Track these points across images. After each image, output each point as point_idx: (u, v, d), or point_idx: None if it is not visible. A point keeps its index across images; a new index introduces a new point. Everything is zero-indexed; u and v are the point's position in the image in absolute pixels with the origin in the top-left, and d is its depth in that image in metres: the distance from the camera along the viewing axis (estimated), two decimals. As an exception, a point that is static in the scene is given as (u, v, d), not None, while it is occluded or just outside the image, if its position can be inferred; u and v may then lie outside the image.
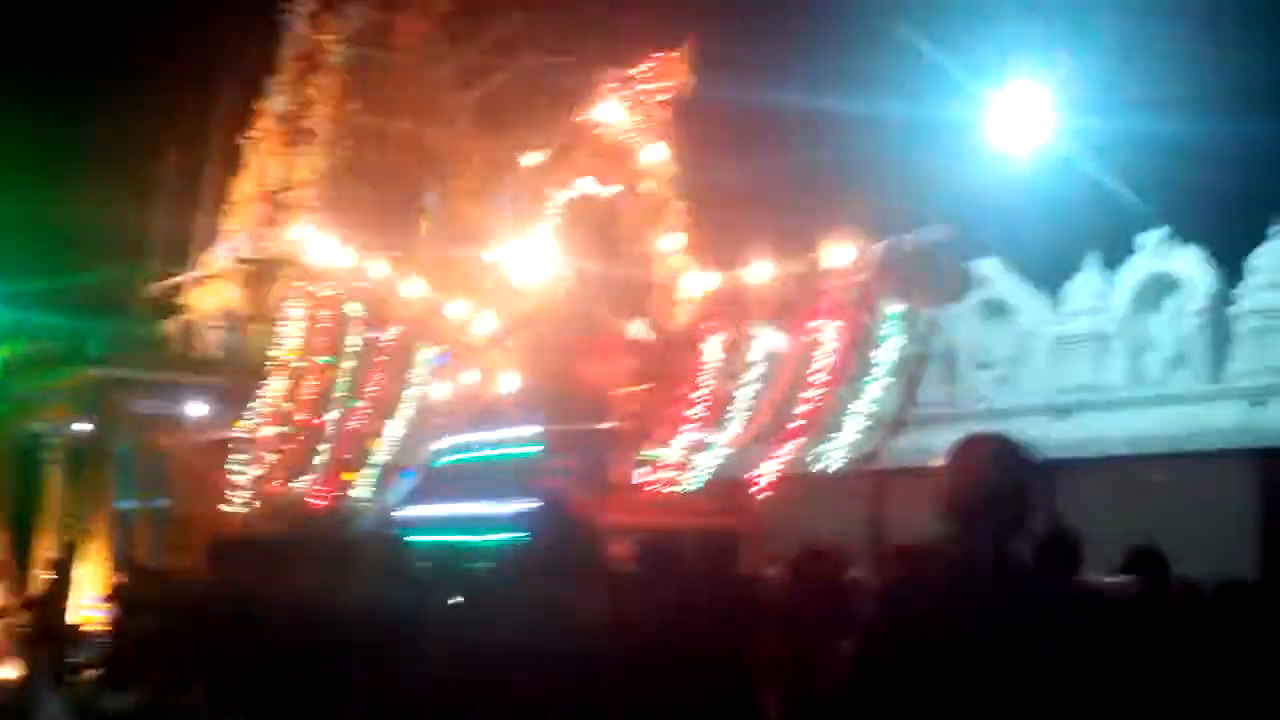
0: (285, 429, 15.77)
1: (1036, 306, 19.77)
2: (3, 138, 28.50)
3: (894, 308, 10.81)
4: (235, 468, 16.10)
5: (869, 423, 10.89)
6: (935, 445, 12.64)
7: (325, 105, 29.17)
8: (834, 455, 10.86)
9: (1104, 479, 17.72)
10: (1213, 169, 20.97)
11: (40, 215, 28.10)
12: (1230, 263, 17.81)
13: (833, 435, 10.93)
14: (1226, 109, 21.45)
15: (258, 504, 15.76)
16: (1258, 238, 17.41)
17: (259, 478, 15.77)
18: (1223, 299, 17.53)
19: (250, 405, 16.52)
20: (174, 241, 28.55)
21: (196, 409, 24.79)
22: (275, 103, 29.76)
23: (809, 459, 10.95)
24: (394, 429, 13.77)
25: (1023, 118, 21.35)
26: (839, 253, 11.16)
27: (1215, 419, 16.90)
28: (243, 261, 27.72)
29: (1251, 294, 17.23)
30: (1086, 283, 19.11)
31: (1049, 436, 18.47)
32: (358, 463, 13.97)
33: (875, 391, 10.91)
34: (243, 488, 15.96)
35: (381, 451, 13.63)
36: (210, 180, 29.03)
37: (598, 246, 13.43)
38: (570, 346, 12.91)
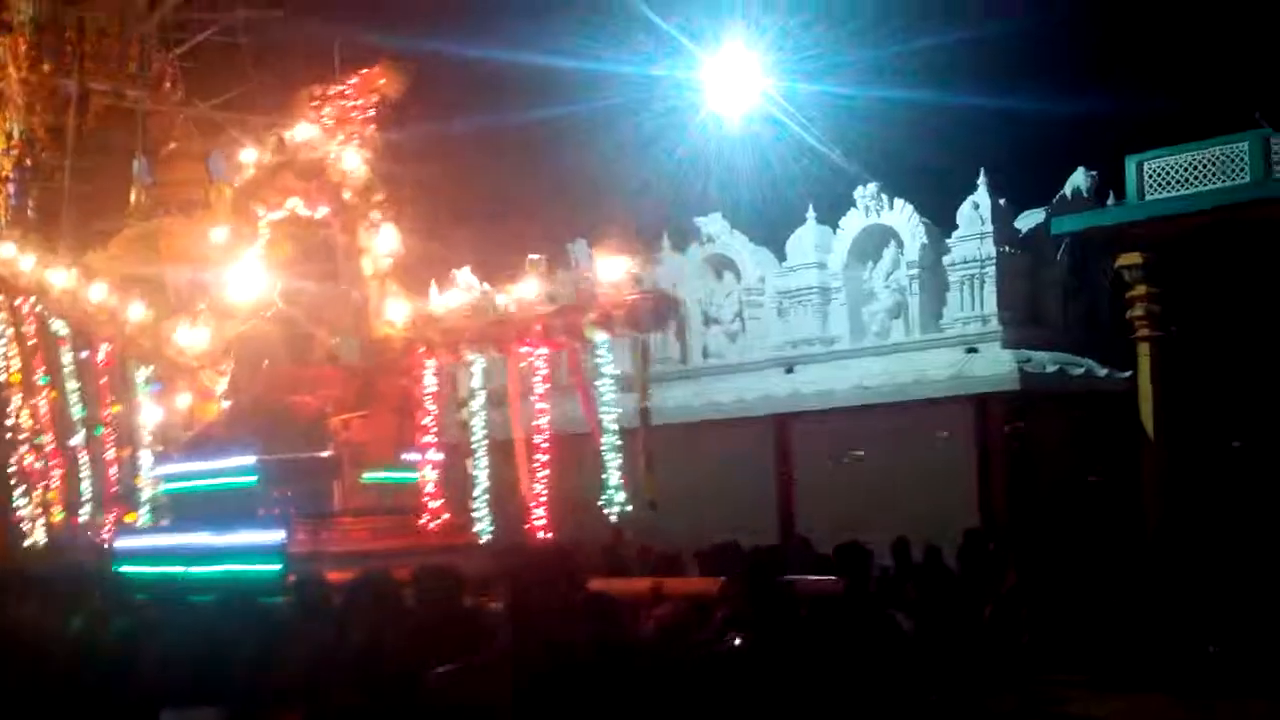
0: (40, 457, 15.11)
1: (760, 262, 20.32)
2: None
3: (599, 335, 10.95)
4: (18, 501, 15.29)
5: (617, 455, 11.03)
6: (668, 402, 13.08)
7: (15, 67, 27.53)
8: (617, 498, 11.00)
9: (831, 429, 18.49)
10: (917, 132, 21.98)
11: None
12: (938, 218, 18.69)
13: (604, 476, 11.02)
14: (926, 77, 22.47)
15: (44, 541, 15.08)
16: (961, 196, 18.30)
17: (41, 510, 15.07)
18: (935, 250, 18.36)
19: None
20: None
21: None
22: (-40, 65, 27.92)
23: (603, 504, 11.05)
24: (147, 459, 13.26)
25: (737, 80, 22.03)
26: (527, 287, 11.33)
27: (932, 367, 17.76)
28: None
29: (960, 244, 18.11)
30: (806, 237, 19.73)
31: (778, 389, 19.18)
32: (130, 500, 13.41)
33: (613, 423, 11.03)
34: (26, 521, 15.20)
35: (147, 484, 13.11)
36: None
37: (307, 268, 13.22)
38: (283, 371, 12.63)
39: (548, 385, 11.52)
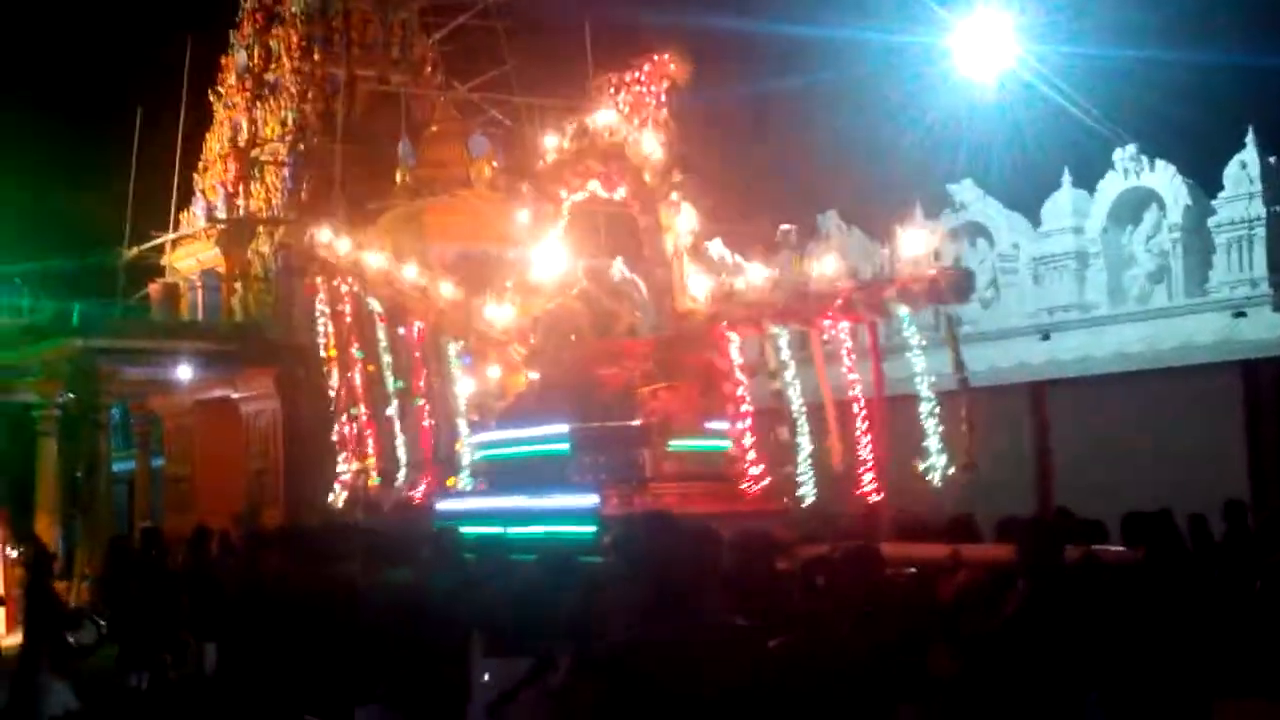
0: (356, 426, 16.11)
1: (1014, 228, 20.02)
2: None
3: (901, 309, 11.15)
4: (339, 466, 16.39)
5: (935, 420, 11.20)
6: (936, 366, 12.84)
7: (288, 57, 28.98)
8: (940, 462, 11.16)
9: (1091, 397, 18.13)
10: (1178, 92, 21.24)
11: (12, 188, 28.02)
12: (1202, 177, 18.10)
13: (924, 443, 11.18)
14: (1186, 31, 21.67)
15: (361, 502, 16.13)
16: (1227, 152, 17.67)
17: (359, 474, 16.10)
18: (1200, 212, 17.80)
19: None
20: (150, 204, 28.45)
21: (184, 371, 24.89)
22: (239, 57, 29.55)
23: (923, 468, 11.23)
24: (463, 428, 14.07)
25: (989, 43, 21.66)
26: (830, 263, 11.53)
27: (1198, 332, 17.25)
28: (217, 221, 27.67)
29: (1227, 205, 17.51)
30: (1062, 202, 19.34)
31: (1033, 357, 18.89)
32: (452, 466, 14.25)
33: (929, 390, 11.20)
34: (344, 485, 16.28)
35: (467, 451, 13.91)
36: (181, 140, 28.87)
37: (608, 247, 13.79)
38: (590, 344, 13.23)
39: (852, 355, 11.77)
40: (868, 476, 11.63)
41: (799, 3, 24.65)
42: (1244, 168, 17.40)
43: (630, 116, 13.11)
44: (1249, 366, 16.81)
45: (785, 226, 21.35)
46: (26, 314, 25.24)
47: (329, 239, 16.24)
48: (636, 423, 12.17)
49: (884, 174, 23.80)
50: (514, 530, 11.34)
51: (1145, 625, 6.30)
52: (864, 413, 11.76)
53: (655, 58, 13.35)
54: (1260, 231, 17.12)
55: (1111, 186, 18.74)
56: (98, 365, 24.28)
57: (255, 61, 29.14)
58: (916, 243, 11.03)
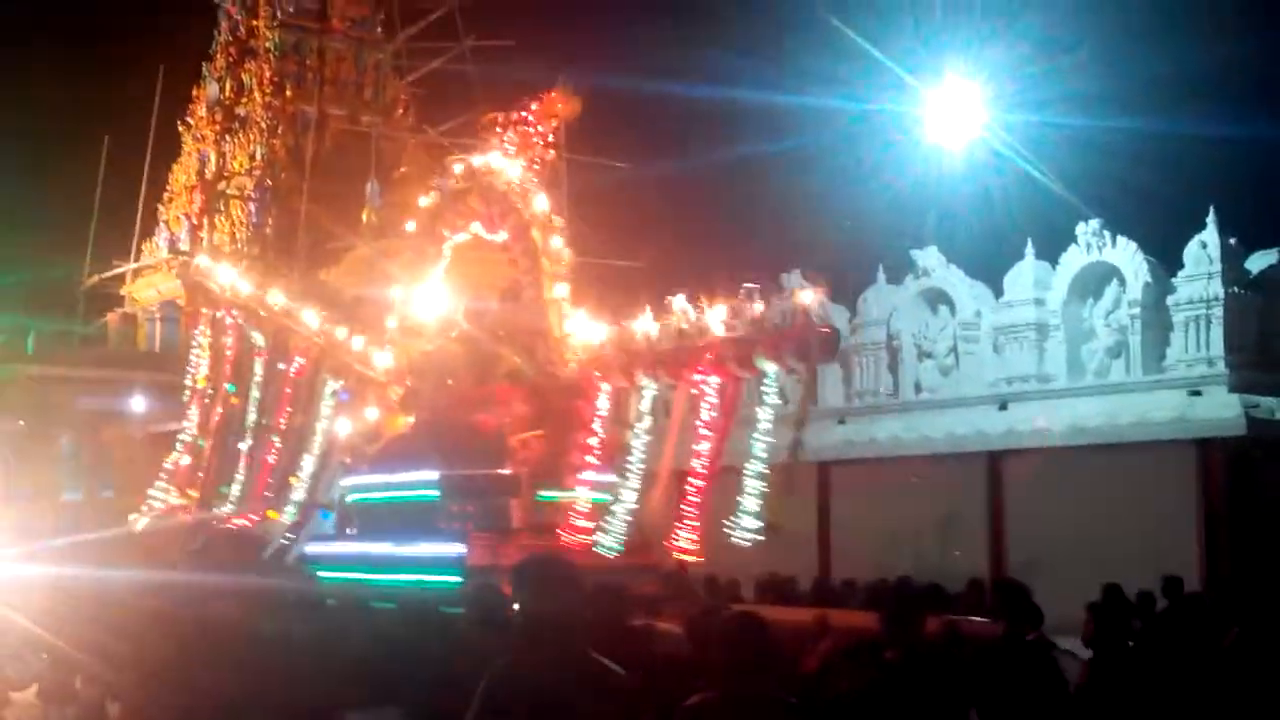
0: (199, 460, 15.93)
1: (977, 296, 20.11)
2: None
3: (769, 366, 11.00)
4: (153, 493, 16.21)
5: (761, 483, 11.08)
6: (880, 435, 13.03)
7: (260, 91, 28.96)
8: (746, 522, 11.04)
9: (1045, 469, 18.18)
10: (1143, 164, 21.50)
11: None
12: (1164, 253, 18.25)
13: (739, 499, 11.11)
14: (1154, 105, 21.96)
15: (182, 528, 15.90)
16: (1189, 230, 17.84)
17: (178, 508, 15.91)
18: (1159, 289, 17.93)
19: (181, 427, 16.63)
20: (113, 233, 28.30)
21: (139, 403, 24.66)
22: (210, 90, 29.52)
23: (726, 528, 11.13)
24: (308, 465, 13.87)
25: (956, 113, 21.87)
26: (713, 313, 11.38)
27: (1154, 409, 17.33)
28: (179, 253, 27.50)
29: (1186, 284, 17.65)
30: (1025, 273, 19.44)
31: (991, 426, 18.94)
32: (279, 500, 14.08)
33: (761, 450, 11.08)
34: (153, 513, 16.10)
35: (300, 488, 13.74)
36: (148, 169, 28.76)
37: (489, 290, 13.67)
38: (466, 389, 13.03)
39: (712, 415, 11.46)
40: (684, 535, 11.42)
41: (776, 71, 24.84)
42: (1204, 247, 17.56)
43: (516, 156, 12.96)
44: (1203, 444, 16.90)
45: (748, 285, 21.33)
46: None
47: (208, 266, 16.08)
48: (506, 471, 12.00)
49: (850, 237, 23.95)
50: (378, 577, 11.21)
51: (1005, 698, 6.36)
52: (700, 473, 11.45)
53: (544, 95, 13.20)
54: (1218, 311, 17.26)
55: (1074, 260, 18.86)
56: (54, 393, 24.02)
57: (227, 94, 29.14)
58: (791, 301, 10.91)
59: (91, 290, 28.14)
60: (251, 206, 27.71)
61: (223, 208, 28.00)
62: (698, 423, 11.59)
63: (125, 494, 27.19)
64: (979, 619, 8.60)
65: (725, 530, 11.07)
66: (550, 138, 13.34)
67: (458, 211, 13.32)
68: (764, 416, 11.14)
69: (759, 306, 11.05)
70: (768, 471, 11.04)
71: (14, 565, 14.78)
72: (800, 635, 8.00)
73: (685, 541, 11.47)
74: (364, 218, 25.95)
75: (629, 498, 11.62)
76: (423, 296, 13.29)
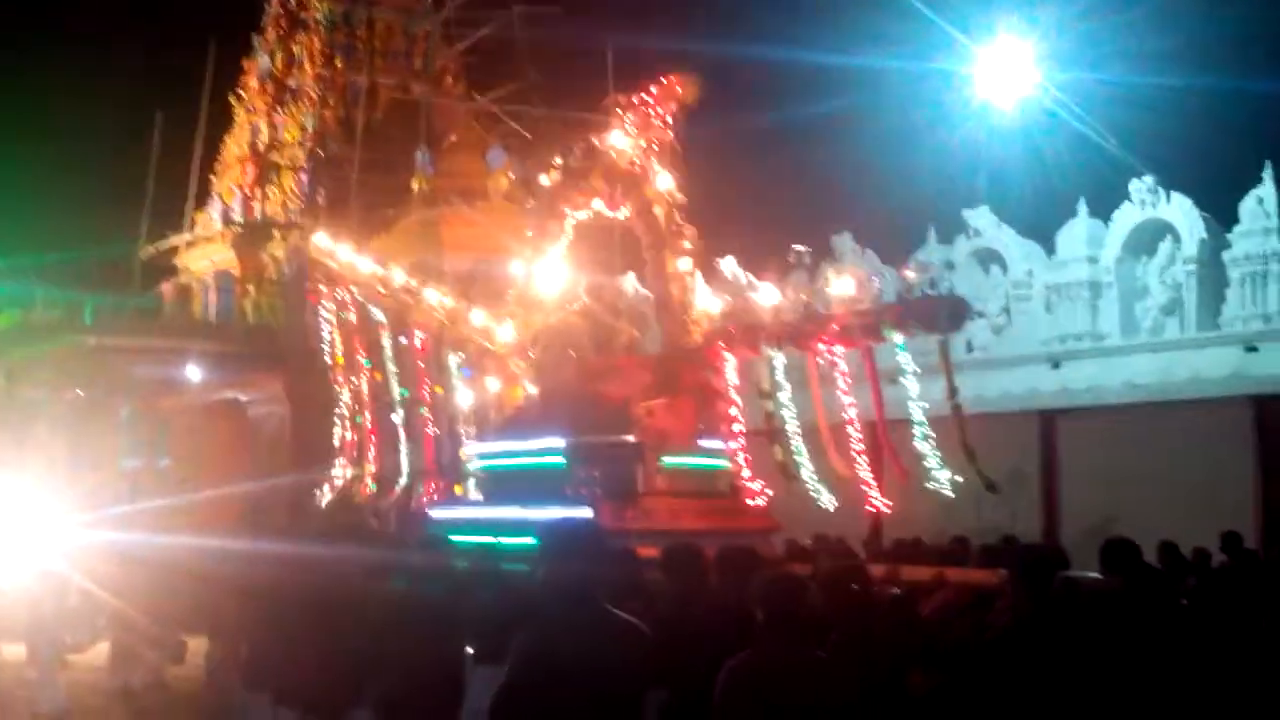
0: (356, 433, 16.18)
1: (1029, 255, 20.00)
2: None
3: (897, 336, 11.29)
4: (335, 472, 16.48)
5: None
6: (933, 394, 13.03)
7: (310, 63, 29.10)
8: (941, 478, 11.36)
9: (1100, 426, 18.08)
10: (1196, 121, 21.23)
11: (31, 185, 28.17)
12: (1219, 210, 18.06)
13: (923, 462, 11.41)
14: (1208, 60, 21.66)
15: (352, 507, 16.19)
16: (1244, 185, 17.64)
17: (353, 481, 16.18)
18: (1215, 246, 17.76)
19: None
20: (167, 205, 28.58)
21: (194, 372, 24.93)
22: (261, 62, 29.68)
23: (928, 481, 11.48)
24: (464, 435, 14.16)
25: (1008, 71, 21.65)
26: (841, 284, 11.67)
27: (1209, 366, 17.19)
28: (233, 224, 27.75)
29: (1242, 240, 17.47)
30: (1078, 231, 19.31)
31: (1043, 385, 18.85)
32: (458, 472, 14.31)
33: (920, 414, 11.41)
34: (335, 489, 16.37)
35: (472, 459, 13.99)
36: (200, 142, 28.99)
37: (610, 265, 14.02)
38: (589, 360, 13.35)
39: (849, 379, 11.95)
40: (873, 494, 11.81)
41: (826, 31, 24.72)
42: (1260, 203, 17.36)
43: (637, 138, 13.24)
44: (1259, 400, 16.74)
45: (798, 247, 21.35)
46: (39, 307, 25.30)
47: (328, 245, 16.28)
48: (631, 438, 12.20)
49: (901, 198, 23.83)
50: (508, 540, 11.38)
51: (1126, 654, 6.31)
52: (856, 435, 11.94)
53: (664, 79, 13.47)
54: (1275, 267, 17.07)
55: (1127, 217, 18.72)
56: (111, 362, 24.32)
57: (278, 66, 29.27)
58: (917, 271, 11.18)
59: (147, 262, 28.46)
60: (303, 177, 27.88)
61: (275, 178, 28.17)
62: (838, 390, 11.94)
63: (182, 463, 27.64)
64: (1097, 575, 8.60)
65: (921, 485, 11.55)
66: (669, 120, 13.62)
67: (579, 189, 13.57)
68: (909, 381, 11.60)
69: (876, 283, 11.33)
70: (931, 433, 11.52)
71: (77, 532, 15.01)
72: (918, 591, 8.07)
73: (875, 497, 11.97)
74: (414, 186, 26.07)
75: (792, 462, 11.82)
76: (544, 271, 13.48)
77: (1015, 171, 22.65)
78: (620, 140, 13.32)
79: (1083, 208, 19.32)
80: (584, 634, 5.01)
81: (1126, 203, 18.72)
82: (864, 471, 11.94)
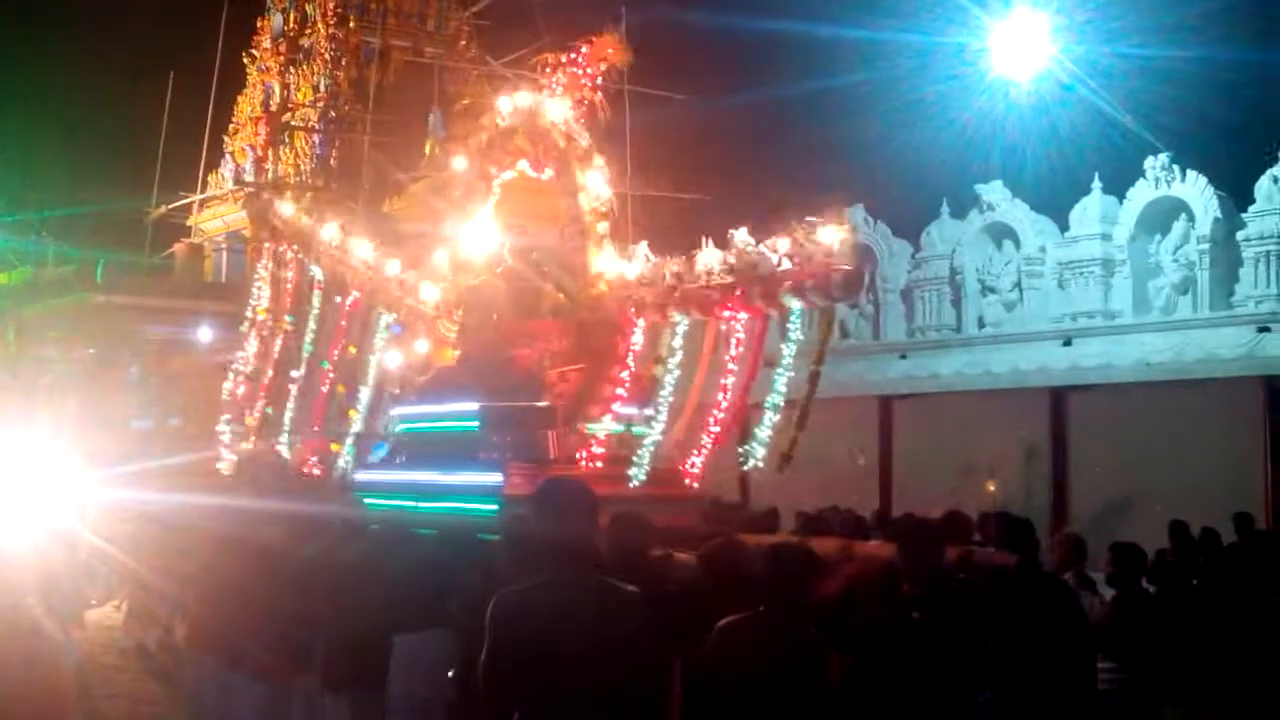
0: (255, 390, 16.12)
1: (1042, 231, 19.95)
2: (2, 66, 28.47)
3: (794, 303, 11.11)
4: (220, 428, 16.43)
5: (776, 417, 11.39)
6: (943, 370, 13.15)
7: (323, 23, 29.03)
8: (757, 452, 11.40)
9: (1109, 405, 18.10)
10: (1214, 96, 21.12)
11: (43, 143, 28.15)
12: (1234, 189, 18.00)
13: (756, 430, 11.47)
14: (1225, 36, 21.54)
15: (242, 463, 16.09)
16: (1261, 164, 17.57)
17: (240, 435, 16.12)
18: (1229, 225, 17.72)
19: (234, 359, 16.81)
20: (179, 165, 28.55)
21: (205, 333, 24.99)
22: (274, 22, 29.61)
23: (740, 456, 11.48)
24: (364, 396, 14.11)
25: (1023, 44, 21.55)
26: (826, 233, 11.44)
27: (1221, 346, 17.17)
28: (245, 184, 27.74)
29: (1256, 220, 17.42)
30: (1091, 208, 19.25)
31: (1054, 362, 18.85)
32: (340, 432, 14.29)
33: (782, 386, 11.39)
34: (227, 447, 16.32)
35: (358, 420, 13.98)
36: (213, 101, 28.94)
37: (533, 228, 13.84)
38: (509, 323, 13.22)
39: (739, 350, 11.75)
40: (693, 463, 11.93)
41: (840, 4, 24.58)
42: (1276, 182, 17.31)
43: (563, 95, 13.06)
44: (1271, 381, 16.73)
45: (810, 219, 21.28)
46: (50, 263, 25.34)
47: (290, 214, 16.19)
48: (544, 404, 12.19)
49: (915, 172, 23.76)
50: (422, 505, 11.46)
51: (1025, 629, 6.48)
52: (725, 408, 11.87)
53: (593, 39, 13.28)
54: (1290, 247, 17.06)
55: (1141, 195, 18.65)
56: (121, 321, 24.37)
57: (291, 26, 29.22)
58: (825, 238, 10.92)
59: (159, 221, 28.42)
60: (315, 138, 27.87)
61: (287, 139, 28.17)
62: (726, 358, 11.82)
63: (192, 422, 27.71)
64: (995, 551, 8.75)
65: (739, 459, 11.54)
66: (599, 80, 13.42)
67: (505, 149, 13.42)
68: (786, 353, 11.41)
69: (785, 244, 11.06)
70: (782, 406, 11.41)
71: (88, 489, 15.08)
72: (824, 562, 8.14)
73: (694, 468, 11.95)
74: (427, 149, 26.03)
75: (657, 430, 11.82)
76: (471, 232, 13.43)
77: (1029, 146, 22.59)
78: (544, 99, 13.11)
79: (1097, 184, 19.25)
80: (578, 597, 4.83)
81: (1141, 180, 18.64)
82: (703, 445, 11.92)
